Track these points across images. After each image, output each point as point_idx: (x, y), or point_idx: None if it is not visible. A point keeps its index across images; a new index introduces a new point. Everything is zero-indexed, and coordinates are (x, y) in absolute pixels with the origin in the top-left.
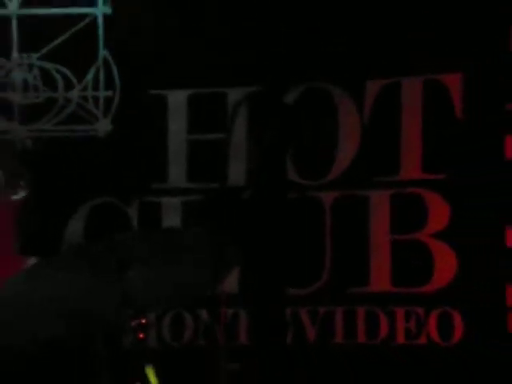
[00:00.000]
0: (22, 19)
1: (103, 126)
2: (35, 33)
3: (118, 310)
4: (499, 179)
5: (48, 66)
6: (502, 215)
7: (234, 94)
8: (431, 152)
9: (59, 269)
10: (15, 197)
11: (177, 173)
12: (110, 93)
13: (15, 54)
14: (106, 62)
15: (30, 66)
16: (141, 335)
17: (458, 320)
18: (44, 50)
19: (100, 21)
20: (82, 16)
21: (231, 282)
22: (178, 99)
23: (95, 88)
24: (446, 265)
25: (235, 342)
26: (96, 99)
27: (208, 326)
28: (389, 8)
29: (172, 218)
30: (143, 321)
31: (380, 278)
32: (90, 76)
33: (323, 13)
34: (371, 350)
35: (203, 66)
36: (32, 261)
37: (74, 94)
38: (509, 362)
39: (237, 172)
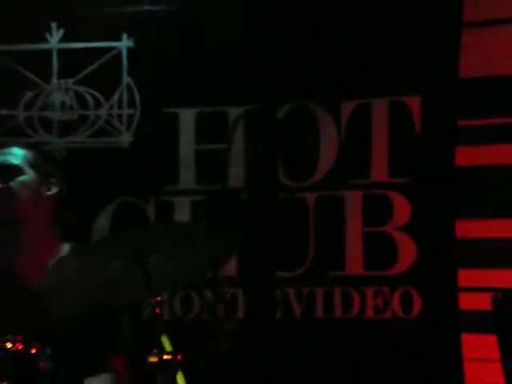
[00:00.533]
0: (60, 51)
1: (126, 139)
2: (71, 62)
3: (139, 290)
4: (450, 182)
5: (81, 89)
6: (452, 211)
7: (233, 112)
8: (396, 160)
9: (89, 258)
10: (49, 193)
11: (186, 176)
12: (131, 111)
13: (55, 80)
14: (128, 86)
15: (67, 90)
16: (157, 310)
17: (416, 297)
18: (78, 77)
19: (124, 53)
20: (110, 49)
21: (231, 267)
22: (187, 116)
23: (120, 107)
24: (407, 252)
25: (234, 317)
26: (120, 116)
27: (211, 303)
28: (359, 44)
29: (182, 215)
30: (159, 299)
31: (354, 263)
32: (115, 97)
33: (309, 50)
34: (346, 323)
35: (208, 89)
36: (67, 247)
37: (103, 112)
38: (457, 333)
39: (236, 176)
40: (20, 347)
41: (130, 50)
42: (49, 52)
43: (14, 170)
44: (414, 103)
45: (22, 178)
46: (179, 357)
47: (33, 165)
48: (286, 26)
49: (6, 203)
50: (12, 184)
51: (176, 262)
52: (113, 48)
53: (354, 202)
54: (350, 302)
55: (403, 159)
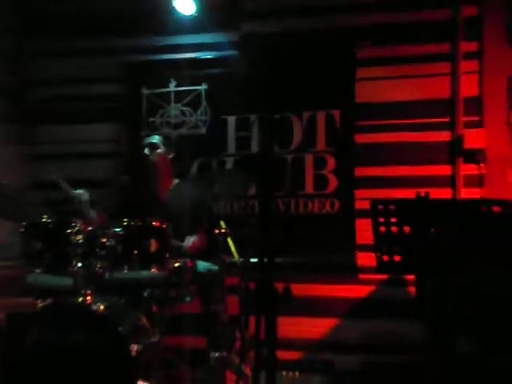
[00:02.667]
0: (175, 92)
1: (203, 130)
2: (180, 96)
3: (210, 200)
4: (351, 151)
5: (185, 109)
6: (353, 163)
7: (252, 117)
8: (328, 140)
9: (187, 185)
10: (169, 156)
11: (231, 147)
12: (205, 117)
13: (172, 104)
14: (204, 107)
15: (177, 108)
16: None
17: (337, 202)
18: (183, 102)
19: (203, 91)
20: (196, 89)
21: (252, 190)
22: (231, 120)
23: (200, 116)
24: (333, 182)
25: (253, 213)
26: (201, 121)
27: (242, 207)
28: (313, 88)
29: (229, 166)
30: (219, 204)
31: (309, 187)
32: (198, 112)
33: (288, 89)
34: (306, 215)
35: (240, 106)
36: (176, 180)
37: (193, 118)
38: (353, 219)
39: (254, 147)
40: (158, 224)
41: (205, 90)
42: (170, 92)
43: (156, 146)
44: (336, 114)
45: (159, 150)
46: (228, 230)
47: (164, 143)
48: (279, 77)
49: (154, 161)
50: (156, 153)
51: (226, 187)
52: (198, 89)
53: (309, 160)
54: (307, 205)
55: (332, 139)
